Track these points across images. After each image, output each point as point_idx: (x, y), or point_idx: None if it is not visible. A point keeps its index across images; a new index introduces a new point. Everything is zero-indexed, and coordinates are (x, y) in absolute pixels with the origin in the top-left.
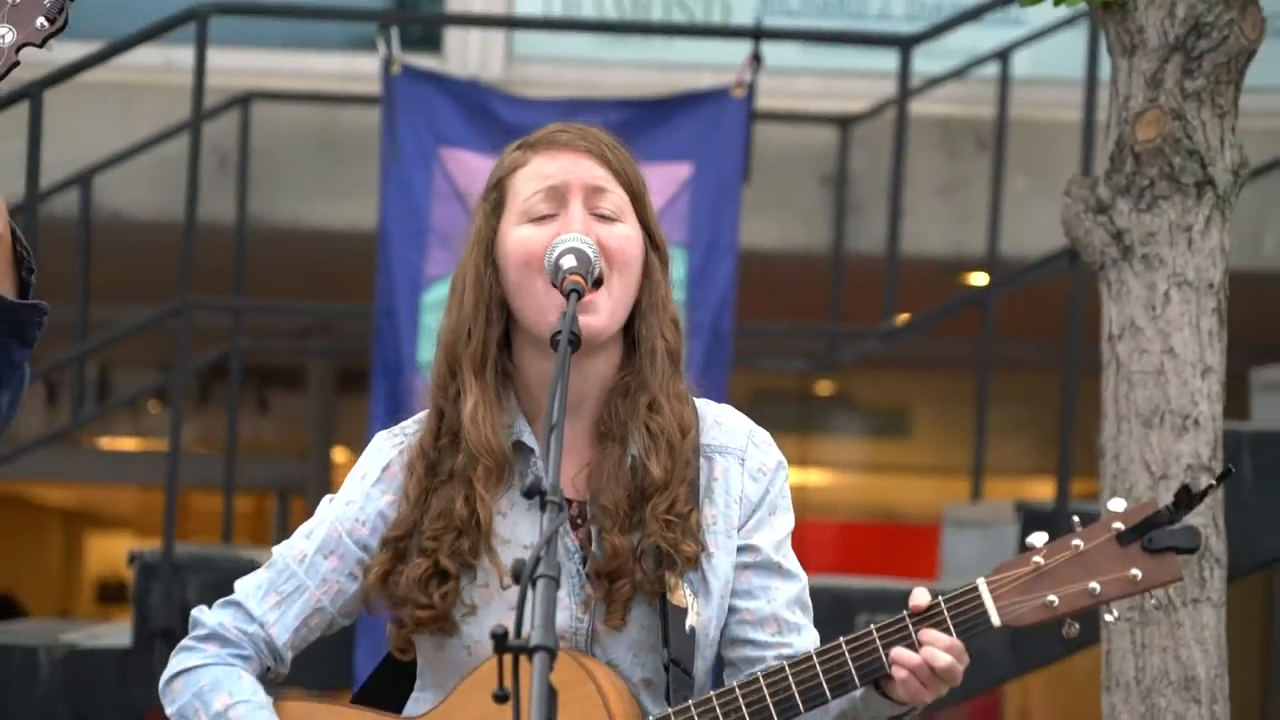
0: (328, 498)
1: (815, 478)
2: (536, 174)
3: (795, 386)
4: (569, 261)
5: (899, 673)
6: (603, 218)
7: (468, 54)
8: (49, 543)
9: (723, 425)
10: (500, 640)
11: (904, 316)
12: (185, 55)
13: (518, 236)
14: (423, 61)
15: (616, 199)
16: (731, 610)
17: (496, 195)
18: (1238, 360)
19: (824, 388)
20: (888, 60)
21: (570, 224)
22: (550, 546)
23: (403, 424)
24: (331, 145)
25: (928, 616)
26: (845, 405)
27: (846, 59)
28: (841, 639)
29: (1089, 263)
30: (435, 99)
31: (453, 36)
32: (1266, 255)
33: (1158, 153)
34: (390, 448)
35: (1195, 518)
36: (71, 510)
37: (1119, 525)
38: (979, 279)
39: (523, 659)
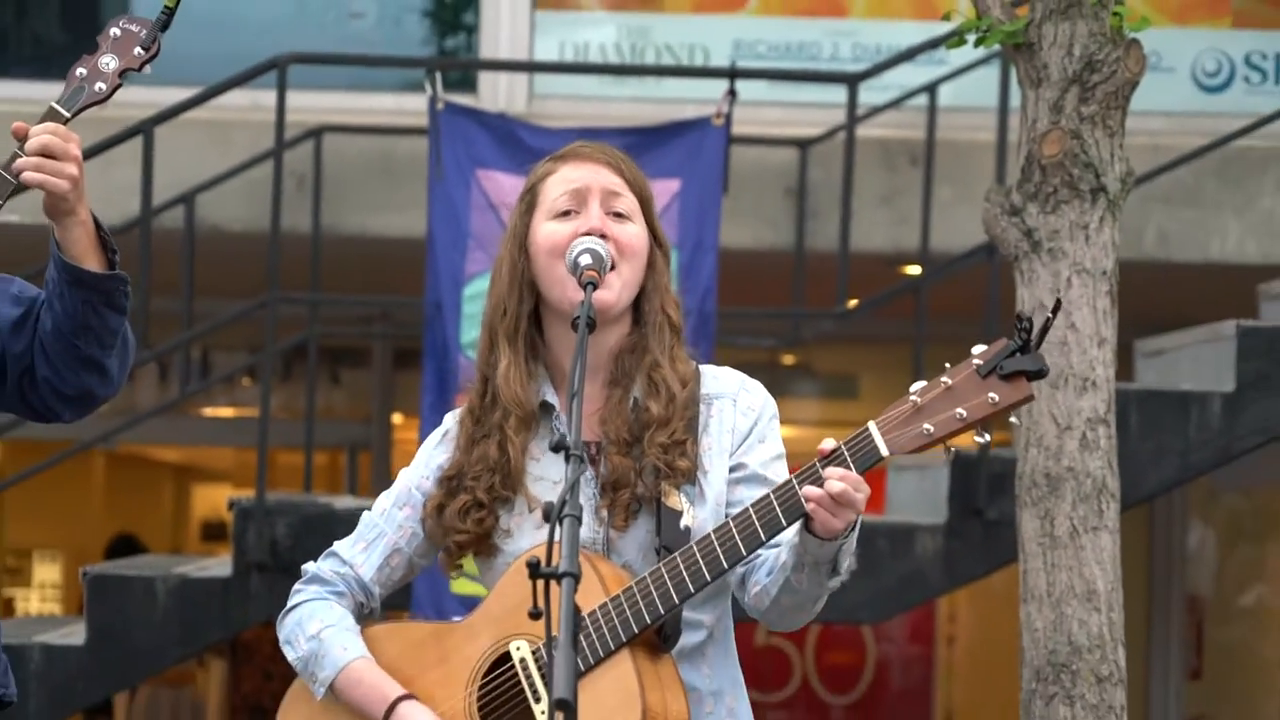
0: (404, 470)
1: (782, 432)
2: (563, 179)
3: (765, 359)
4: (586, 259)
5: (809, 505)
6: (617, 215)
7: (498, 92)
8: (163, 493)
9: (719, 379)
10: (534, 568)
11: (853, 302)
12: (269, 96)
13: (546, 230)
14: (461, 99)
15: (629, 202)
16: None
17: (530, 198)
18: (1125, 333)
19: (789, 360)
20: (838, 94)
21: (590, 219)
22: (574, 492)
23: (460, 409)
24: (388, 169)
25: (832, 458)
26: (806, 374)
27: (805, 93)
28: (769, 490)
29: (1005, 255)
30: (472, 129)
31: (485, 78)
32: (1146, 248)
33: (1060, 166)
34: (450, 419)
35: (1094, 461)
36: (181, 466)
37: (978, 362)
38: (914, 270)
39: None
